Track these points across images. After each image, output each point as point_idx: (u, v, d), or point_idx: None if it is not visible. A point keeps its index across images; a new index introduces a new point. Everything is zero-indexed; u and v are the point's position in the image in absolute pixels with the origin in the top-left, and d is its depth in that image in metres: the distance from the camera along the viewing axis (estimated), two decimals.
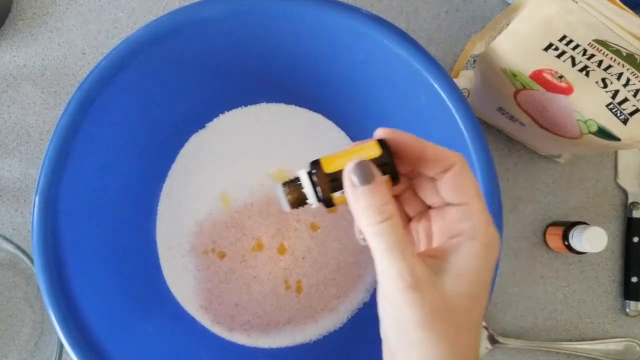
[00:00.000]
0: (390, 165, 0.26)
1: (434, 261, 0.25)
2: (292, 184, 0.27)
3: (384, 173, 0.26)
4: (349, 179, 0.25)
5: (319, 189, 0.27)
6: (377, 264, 0.24)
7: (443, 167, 0.26)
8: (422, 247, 0.28)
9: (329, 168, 0.27)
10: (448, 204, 0.26)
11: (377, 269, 0.24)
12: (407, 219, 0.29)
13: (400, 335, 0.24)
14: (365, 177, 0.25)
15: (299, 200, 0.27)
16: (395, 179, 0.26)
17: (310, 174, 0.27)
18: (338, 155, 0.27)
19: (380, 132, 0.27)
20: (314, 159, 0.27)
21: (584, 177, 0.52)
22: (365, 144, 0.27)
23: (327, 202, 0.27)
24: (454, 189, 0.26)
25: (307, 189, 0.27)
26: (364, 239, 0.26)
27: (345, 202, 0.26)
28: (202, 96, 0.45)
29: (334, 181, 0.26)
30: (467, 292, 0.24)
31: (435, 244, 0.27)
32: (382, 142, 0.26)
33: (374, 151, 0.26)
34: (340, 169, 0.26)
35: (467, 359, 0.24)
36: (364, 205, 0.24)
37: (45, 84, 0.52)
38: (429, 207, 0.28)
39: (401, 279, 0.23)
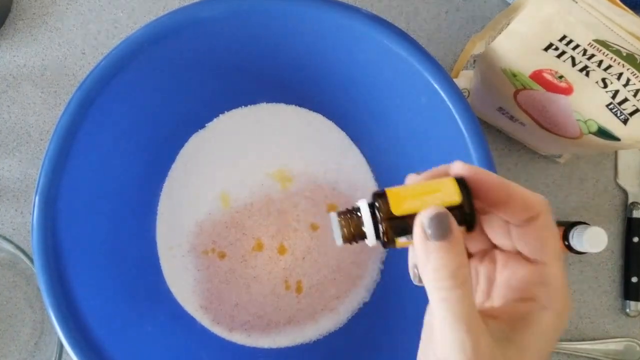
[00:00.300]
0: (470, 214, 0.22)
1: (497, 325, 0.22)
2: (350, 216, 0.24)
3: (460, 221, 0.22)
4: (422, 230, 0.21)
5: (381, 227, 0.23)
6: (437, 330, 0.21)
7: (527, 216, 0.22)
8: (481, 290, 0.25)
9: (397, 209, 0.22)
10: (520, 255, 0.23)
11: (436, 333, 0.21)
12: (468, 255, 0.25)
13: None
14: (443, 233, 0.21)
15: (354, 236, 0.24)
16: (471, 227, 0.23)
17: (373, 208, 0.23)
18: (409, 193, 0.23)
19: (459, 168, 0.23)
20: (378, 190, 0.23)
21: (584, 177, 0.52)
22: (442, 181, 0.23)
23: (388, 244, 0.23)
24: (535, 245, 0.22)
25: (368, 227, 0.23)
26: (420, 281, 0.22)
27: (409, 246, 0.23)
28: (202, 96, 0.45)
29: (401, 224, 0.22)
30: None
31: (499, 298, 0.24)
32: (460, 182, 0.22)
33: (453, 196, 0.22)
34: (411, 213, 0.22)
35: None
36: (435, 265, 0.21)
37: (45, 84, 0.52)
38: (494, 246, 0.25)
39: (463, 353, 0.20)
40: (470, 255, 0.25)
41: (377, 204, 0.23)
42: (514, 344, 0.21)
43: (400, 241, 0.23)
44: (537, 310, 0.22)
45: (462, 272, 0.21)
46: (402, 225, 0.22)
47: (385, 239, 0.23)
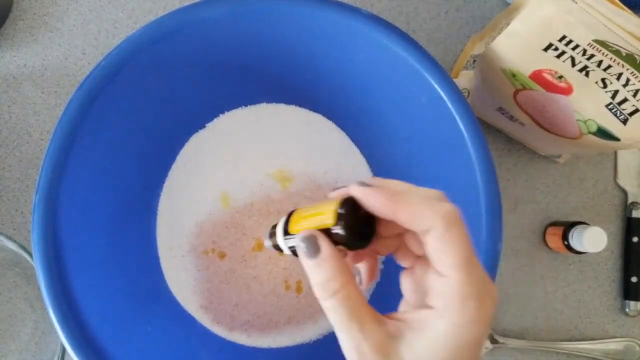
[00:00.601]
0: (349, 233, 0.24)
1: (400, 326, 0.24)
2: (272, 230, 0.29)
3: (338, 241, 0.25)
4: (299, 249, 0.25)
5: (287, 242, 0.27)
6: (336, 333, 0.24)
7: (421, 230, 0.23)
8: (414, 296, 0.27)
9: (293, 228, 0.27)
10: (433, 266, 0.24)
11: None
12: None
13: None
14: (311, 250, 0.24)
15: (277, 247, 0.28)
16: (362, 239, 0.25)
17: (285, 225, 0.28)
18: (303, 214, 0.27)
19: (352, 190, 0.25)
20: (292, 209, 0.28)
21: (584, 177, 0.52)
22: (329, 202, 0.25)
23: (293, 253, 0.27)
24: (433, 257, 0.23)
25: (280, 242, 0.28)
26: None
27: None
28: (202, 96, 0.45)
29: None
30: None
31: (407, 302, 0.26)
32: (347, 204, 0.25)
33: (329, 219, 0.25)
34: (299, 231, 0.26)
35: None
36: (312, 279, 0.24)
37: (45, 84, 0.52)
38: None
39: (349, 355, 0.24)
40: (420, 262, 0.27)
41: (286, 222, 0.27)
42: (408, 345, 0.23)
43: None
44: (433, 317, 0.23)
45: (332, 284, 0.24)
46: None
47: (293, 252, 0.27)
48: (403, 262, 0.27)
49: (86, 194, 0.40)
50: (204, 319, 0.46)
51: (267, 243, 0.29)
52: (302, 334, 0.46)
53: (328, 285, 0.24)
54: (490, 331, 0.50)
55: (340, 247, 0.25)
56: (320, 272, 0.24)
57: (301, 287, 0.47)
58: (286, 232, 0.27)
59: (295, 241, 0.25)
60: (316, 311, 0.47)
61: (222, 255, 0.47)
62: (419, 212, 0.23)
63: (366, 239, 0.25)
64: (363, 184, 0.25)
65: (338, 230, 0.24)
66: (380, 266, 0.47)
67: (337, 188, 0.26)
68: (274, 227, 0.28)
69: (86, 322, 0.37)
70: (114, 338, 0.38)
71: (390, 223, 0.24)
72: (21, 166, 0.51)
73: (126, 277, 0.43)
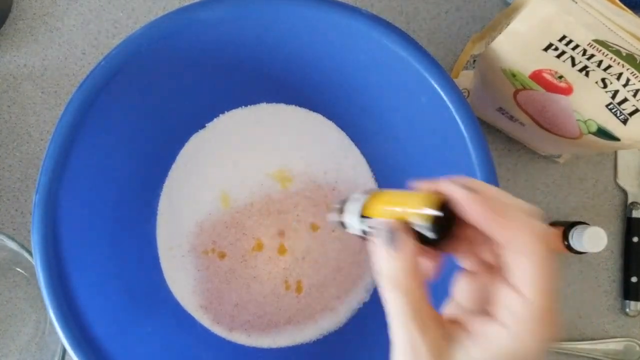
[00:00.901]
0: (440, 232, 0.23)
1: (458, 330, 0.23)
2: (341, 206, 0.28)
3: (419, 236, 0.24)
4: (375, 234, 0.24)
5: (355, 221, 0.27)
6: (389, 324, 0.24)
7: (509, 250, 0.22)
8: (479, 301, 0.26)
9: (372, 211, 0.26)
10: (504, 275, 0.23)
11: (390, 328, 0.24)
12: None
13: None
14: (393, 242, 0.24)
15: (341, 223, 0.28)
16: (436, 241, 0.24)
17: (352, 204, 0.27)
18: (385, 200, 0.26)
19: (444, 187, 0.24)
20: (373, 189, 0.28)
21: (584, 177, 0.52)
22: (418, 195, 0.24)
23: (362, 237, 0.27)
24: (516, 276, 0.22)
25: (353, 220, 0.27)
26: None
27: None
28: (202, 96, 0.45)
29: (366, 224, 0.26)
30: None
31: (458, 305, 0.26)
32: (445, 204, 0.23)
33: (420, 210, 0.23)
34: (379, 216, 0.25)
35: None
36: (379, 264, 0.24)
37: (45, 84, 0.52)
38: None
39: (401, 352, 0.23)
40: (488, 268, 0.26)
41: (361, 199, 0.27)
42: (466, 351, 0.23)
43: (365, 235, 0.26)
44: (498, 332, 0.22)
45: (400, 277, 0.23)
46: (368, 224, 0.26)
47: (360, 233, 0.27)
48: (466, 265, 0.26)
49: (86, 193, 0.40)
50: (204, 319, 0.46)
51: (334, 217, 0.28)
52: (302, 334, 0.47)
53: (398, 277, 0.23)
54: None
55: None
56: (395, 264, 0.23)
57: (301, 287, 0.47)
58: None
59: (376, 225, 0.25)
60: (316, 311, 0.47)
61: (222, 255, 0.47)
62: (518, 231, 0.22)
63: (442, 238, 0.24)
64: (466, 187, 0.23)
65: (427, 231, 0.23)
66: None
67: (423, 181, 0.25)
68: (343, 202, 0.28)
69: (86, 322, 0.37)
70: (114, 338, 0.38)
71: (470, 228, 0.24)
72: (21, 166, 0.51)
73: (126, 277, 0.43)
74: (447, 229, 0.24)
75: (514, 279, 0.22)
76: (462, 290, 0.26)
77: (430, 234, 0.23)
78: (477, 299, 0.25)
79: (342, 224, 0.28)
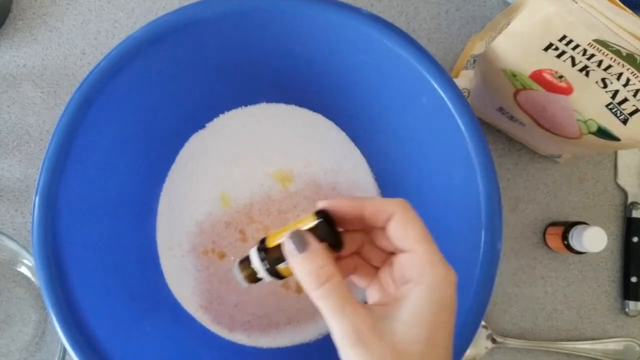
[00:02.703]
0: (329, 232, 0.27)
1: (384, 309, 0.26)
2: (244, 262, 0.30)
3: (324, 241, 0.27)
4: (287, 248, 0.27)
5: (265, 262, 0.29)
6: (328, 326, 0.26)
7: (384, 218, 0.27)
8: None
9: (271, 242, 0.29)
10: (400, 251, 0.27)
11: (330, 330, 0.26)
12: (374, 270, 0.30)
13: None
14: (300, 245, 0.26)
15: (252, 276, 0.30)
16: (337, 245, 0.28)
17: (258, 250, 0.29)
18: (281, 231, 0.28)
19: (318, 205, 0.28)
20: (263, 236, 0.30)
21: (584, 177, 0.52)
22: (304, 217, 0.28)
23: (276, 275, 0.29)
24: (398, 238, 0.27)
25: (256, 264, 0.29)
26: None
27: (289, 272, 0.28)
28: (202, 96, 0.45)
29: (275, 254, 0.28)
30: (417, 337, 0.25)
31: (391, 291, 0.28)
32: (320, 214, 0.28)
33: (310, 222, 0.28)
34: (280, 242, 0.28)
35: None
36: (303, 272, 0.26)
37: (45, 84, 0.52)
38: (392, 254, 0.29)
39: (346, 337, 0.25)
40: (377, 269, 0.30)
41: (260, 246, 0.29)
42: (398, 320, 0.25)
43: (282, 267, 0.28)
44: (412, 287, 0.26)
45: (324, 270, 0.26)
46: (277, 254, 0.28)
47: (271, 270, 0.28)
48: (362, 280, 0.30)
49: (86, 193, 0.40)
50: (204, 319, 0.46)
51: (240, 276, 0.30)
52: (302, 334, 0.47)
53: (320, 273, 0.26)
54: (486, 326, 0.50)
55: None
56: (311, 262, 0.26)
57: (301, 287, 0.47)
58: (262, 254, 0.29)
59: (283, 241, 0.27)
60: (316, 311, 0.46)
61: (222, 255, 0.47)
62: (379, 203, 0.27)
63: (340, 243, 0.28)
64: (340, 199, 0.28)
65: (319, 222, 0.27)
66: None
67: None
68: (243, 260, 0.30)
69: (86, 322, 0.37)
70: (114, 338, 0.38)
71: (352, 235, 0.29)
72: (21, 166, 0.51)
73: (126, 277, 0.43)
74: (333, 228, 0.28)
75: (399, 242, 0.27)
76: (373, 297, 0.30)
77: (322, 224, 0.27)
78: (388, 292, 0.29)
79: (251, 278, 0.30)
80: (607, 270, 0.52)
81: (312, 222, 0.28)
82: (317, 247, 0.26)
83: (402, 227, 0.27)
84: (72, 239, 0.38)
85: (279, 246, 0.28)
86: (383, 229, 0.28)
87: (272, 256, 0.28)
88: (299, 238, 0.26)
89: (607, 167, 0.52)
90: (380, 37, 0.36)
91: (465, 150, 0.36)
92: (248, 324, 0.46)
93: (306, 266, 0.26)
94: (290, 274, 0.28)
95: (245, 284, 0.30)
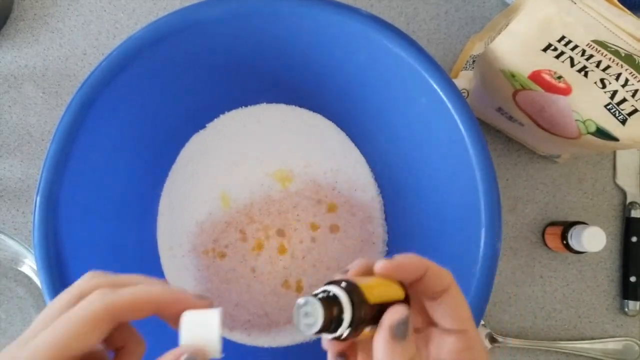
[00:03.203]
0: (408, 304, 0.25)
1: None
2: (330, 302, 0.22)
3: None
4: (391, 329, 0.23)
5: (356, 314, 0.22)
6: None
7: (442, 287, 0.25)
8: None
9: (372, 297, 0.23)
10: (439, 328, 0.25)
11: None
12: None
13: None
14: (406, 332, 0.23)
15: (332, 322, 0.22)
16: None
17: (349, 294, 0.22)
18: (373, 285, 0.24)
19: (383, 267, 0.24)
20: (340, 278, 0.23)
21: (583, 177, 0.52)
22: (386, 281, 0.25)
23: (354, 333, 0.23)
24: (452, 314, 0.25)
25: (347, 313, 0.22)
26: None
27: (365, 338, 0.24)
28: (202, 96, 0.45)
29: (372, 312, 0.23)
30: None
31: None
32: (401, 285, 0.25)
33: (399, 294, 0.24)
34: (383, 301, 0.23)
35: None
36: (398, 357, 0.23)
37: (46, 85, 0.52)
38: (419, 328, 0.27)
39: None
40: None
41: (350, 289, 0.22)
42: None
43: (367, 331, 0.23)
44: None
45: (413, 357, 0.23)
46: (373, 314, 0.23)
47: (356, 327, 0.23)
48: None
49: (87, 193, 0.40)
50: None
51: (319, 320, 0.22)
52: (302, 334, 0.47)
53: None
54: (485, 325, 0.50)
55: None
56: (410, 350, 0.23)
57: (301, 286, 0.47)
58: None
59: (387, 319, 0.23)
60: None
61: (222, 255, 0.47)
62: (440, 268, 0.25)
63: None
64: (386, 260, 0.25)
65: (405, 298, 0.25)
66: None
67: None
68: (326, 298, 0.22)
69: None
70: None
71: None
72: (22, 166, 0.51)
73: None
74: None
75: (444, 319, 0.25)
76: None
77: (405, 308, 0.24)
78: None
79: (330, 327, 0.23)
80: (606, 270, 0.52)
81: (400, 294, 0.24)
82: (412, 336, 0.24)
83: (459, 303, 0.25)
84: (73, 239, 0.38)
85: (377, 305, 0.23)
86: (430, 298, 0.25)
87: (368, 314, 0.23)
88: (406, 324, 0.23)
89: (606, 167, 0.52)
90: (379, 38, 0.37)
91: (464, 150, 0.36)
92: (248, 324, 0.47)
93: (405, 354, 0.23)
94: (362, 339, 0.24)
95: (318, 328, 0.22)
